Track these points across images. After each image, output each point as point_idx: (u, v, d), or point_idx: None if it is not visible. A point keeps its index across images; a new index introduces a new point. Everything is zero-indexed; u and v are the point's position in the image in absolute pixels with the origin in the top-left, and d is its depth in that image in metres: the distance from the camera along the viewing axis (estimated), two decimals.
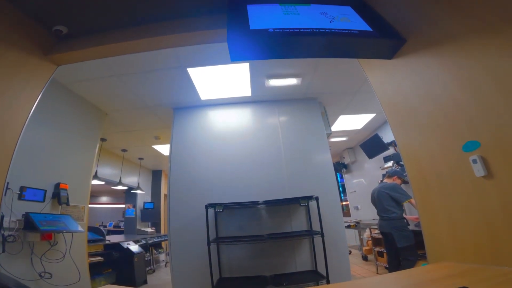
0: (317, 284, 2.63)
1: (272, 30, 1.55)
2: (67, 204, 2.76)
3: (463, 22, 1.22)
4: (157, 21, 2.04)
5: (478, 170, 1.16)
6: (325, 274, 2.64)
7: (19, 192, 2.34)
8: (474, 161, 1.18)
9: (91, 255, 3.89)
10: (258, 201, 3.00)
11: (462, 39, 1.23)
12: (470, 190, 1.24)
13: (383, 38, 1.63)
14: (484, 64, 1.13)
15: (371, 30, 1.63)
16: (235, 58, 1.62)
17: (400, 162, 4.42)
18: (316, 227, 2.94)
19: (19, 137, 1.73)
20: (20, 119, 1.76)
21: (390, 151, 5.04)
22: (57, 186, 2.73)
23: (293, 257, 3.04)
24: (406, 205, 3.71)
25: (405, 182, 3.62)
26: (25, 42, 1.84)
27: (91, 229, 4.36)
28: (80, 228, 2.69)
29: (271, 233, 3.01)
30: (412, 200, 3.28)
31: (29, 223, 2.26)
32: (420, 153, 1.60)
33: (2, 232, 2.08)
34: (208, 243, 2.73)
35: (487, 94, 1.13)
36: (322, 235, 2.68)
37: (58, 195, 2.69)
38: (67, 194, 2.78)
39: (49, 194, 2.66)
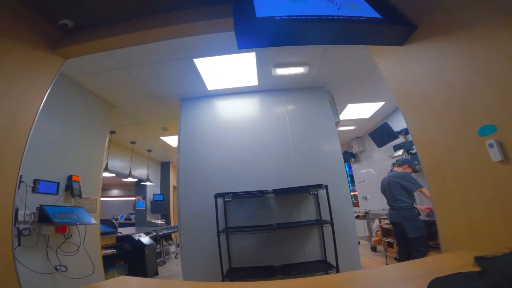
0: (327, 274, 2.63)
1: (279, 18, 1.52)
2: (80, 196, 2.80)
3: (477, 8, 1.20)
4: (163, 12, 2.03)
5: (495, 154, 1.13)
6: (334, 264, 2.64)
7: (32, 185, 2.38)
8: (491, 146, 1.15)
9: (104, 247, 3.97)
10: (267, 190, 2.99)
11: (476, 24, 1.21)
12: (486, 175, 1.22)
13: (394, 25, 1.60)
14: (499, 48, 1.11)
15: (380, 17, 1.59)
16: (242, 46, 1.60)
17: (411, 151, 4.35)
18: (325, 216, 2.93)
19: (31, 131, 1.75)
20: (31, 113, 1.78)
21: (400, 139, 4.96)
22: (69, 178, 2.77)
23: (302, 247, 3.05)
24: (416, 194, 3.66)
25: (415, 171, 3.55)
26: (32, 36, 1.85)
27: (103, 222, 4.43)
28: (93, 221, 2.74)
29: (280, 222, 3.01)
30: (424, 190, 3.22)
31: (43, 215, 2.29)
32: (434, 139, 1.57)
33: (17, 225, 2.10)
34: (218, 233, 2.75)
35: (503, 77, 1.10)
36: (332, 225, 2.66)
37: (70, 187, 2.73)
38: (80, 186, 2.82)
39: (62, 187, 2.70)
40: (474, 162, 1.27)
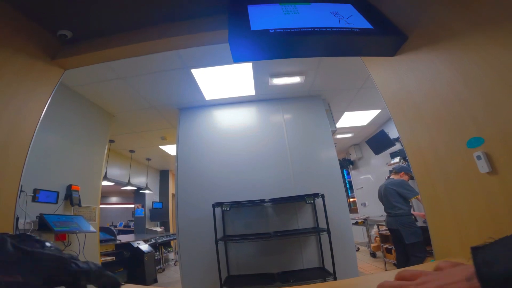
0: (325, 281, 2.64)
1: (273, 31, 1.55)
2: (79, 205, 2.83)
3: (466, 19, 1.20)
4: (160, 23, 2.06)
5: (482, 166, 1.16)
6: (332, 271, 2.65)
7: (32, 195, 2.41)
8: (478, 157, 1.17)
9: (103, 254, 3.97)
10: (264, 199, 3.02)
11: (465, 35, 1.22)
12: (475, 186, 1.24)
13: (385, 36, 1.61)
14: (488, 60, 1.12)
15: (372, 27, 1.62)
16: (237, 59, 1.63)
17: (407, 158, 4.38)
18: (322, 224, 2.96)
19: (31, 141, 1.76)
20: (31, 123, 1.80)
21: (397, 146, 5.00)
22: (69, 187, 2.80)
23: (300, 254, 3.06)
24: (414, 201, 3.68)
25: (412, 178, 3.58)
26: (31, 47, 1.86)
27: (102, 229, 4.44)
28: (92, 229, 2.76)
29: (277, 230, 3.03)
30: (419, 197, 3.25)
31: (43, 224, 2.33)
32: (425, 149, 1.59)
33: (18, 233, 2.12)
34: (216, 241, 2.77)
35: (491, 90, 1.12)
36: (329, 232, 2.69)
37: (70, 196, 2.76)
38: (79, 195, 2.85)
39: (61, 196, 2.73)
40: (463, 173, 1.30)
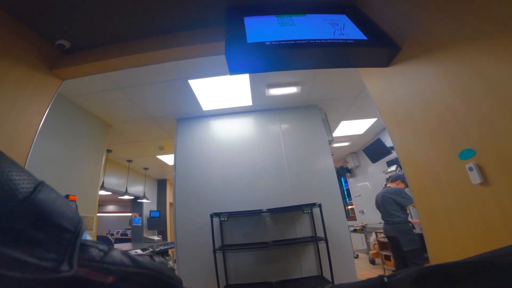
0: None
1: (269, 43, 1.56)
2: None
3: (456, 30, 1.23)
4: (158, 34, 2.08)
5: (475, 177, 1.18)
6: (330, 279, 2.64)
7: None
8: (471, 169, 1.19)
9: None
10: (262, 209, 3.02)
11: (455, 46, 1.24)
12: (468, 196, 1.26)
13: (378, 47, 1.64)
14: (478, 71, 1.14)
15: (366, 38, 1.65)
16: (234, 71, 1.64)
17: None
18: (320, 233, 2.95)
19: (29, 152, 1.76)
20: (29, 134, 1.80)
21: (393, 155, 5.03)
22: (66, 198, 2.78)
23: (298, 263, 3.05)
24: (411, 208, 3.69)
25: (408, 186, 3.60)
26: (30, 57, 1.86)
27: (99, 238, 4.40)
28: (89, 238, 2.72)
29: (276, 240, 3.03)
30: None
31: None
32: (418, 160, 1.61)
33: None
34: (214, 251, 2.76)
35: (481, 102, 1.13)
36: (326, 241, 2.69)
37: None
38: (76, 205, 2.83)
39: None
40: (456, 183, 1.31)
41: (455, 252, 1.41)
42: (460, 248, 1.36)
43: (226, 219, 2.96)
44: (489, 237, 1.18)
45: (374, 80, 2.04)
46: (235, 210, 3.05)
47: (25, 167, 1.67)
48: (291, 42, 1.60)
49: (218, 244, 2.99)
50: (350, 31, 1.72)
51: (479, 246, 1.24)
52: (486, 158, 1.15)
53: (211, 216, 2.91)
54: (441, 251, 1.53)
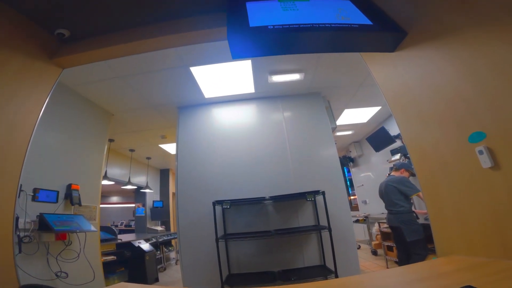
0: (326, 279, 2.64)
1: (272, 27, 1.54)
2: (79, 204, 2.82)
3: (465, 14, 1.20)
4: (158, 21, 2.05)
5: (485, 161, 1.15)
6: (333, 269, 2.65)
7: (32, 194, 2.40)
8: (480, 152, 1.16)
9: (104, 254, 3.97)
10: (264, 197, 3.01)
11: (464, 31, 1.21)
12: (477, 182, 1.23)
13: (384, 31, 1.61)
14: (487, 55, 1.12)
15: (371, 23, 1.61)
16: (236, 55, 1.62)
17: (407, 155, 4.37)
18: (323, 222, 2.94)
19: (30, 140, 1.76)
20: (30, 122, 1.79)
21: (397, 143, 4.99)
22: (69, 187, 2.79)
23: (301, 252, 3.06)
24: (415, 198, 3.67)
25: (413, 174, 3.57)
26: (29, 46, 1.85)
27: (103, 229, 4.43)
28: (92, 228, 2.75)
29: (278, 228, 3.02)
30: (421, 194, 3.23)
31: (43, 223, 2.32)
32: (426, 145, 1.58)
33: (18, 233, 2.12)
34: (217, 240, 2.76)
35: (491, 85, 1.11)
36: (330, 230, 2.68)
37: (70, 195, 2.75)
38: (79, 195, 2.84)
39: (61, 195, 2.71)
40: (465, 168, 1.29)
41: (462, 241, 1.38)
42: (467, 237, 1.34)
43: (228, 207, 2.96)
44: (498, 224, 1.15)
45: (380, 66, 2.00)
46: (238, 198, 3.04)
47: (26, 157, 1.68)
48: (295, 26, 1.57)
49: (220, 233, 2.99)
50: (354, 16, 1.68)
51: (487, 235, 1.21)
52: (497, 141, 1.12)
53: (214, 204, 2.91)
54: (448, 240, 1.50)
